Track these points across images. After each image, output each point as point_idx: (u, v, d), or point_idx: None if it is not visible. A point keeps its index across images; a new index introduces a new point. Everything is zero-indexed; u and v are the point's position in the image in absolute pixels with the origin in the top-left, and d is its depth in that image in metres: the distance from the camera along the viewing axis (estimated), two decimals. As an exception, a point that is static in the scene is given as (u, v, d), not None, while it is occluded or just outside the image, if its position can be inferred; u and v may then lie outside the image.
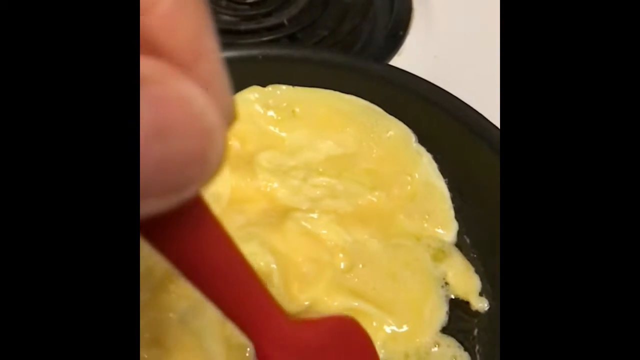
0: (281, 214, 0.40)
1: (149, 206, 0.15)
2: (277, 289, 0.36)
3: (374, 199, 0.43)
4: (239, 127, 0.44)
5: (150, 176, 0.14)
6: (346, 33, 0.59)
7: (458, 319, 0.38)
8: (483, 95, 0.53)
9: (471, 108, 0.42)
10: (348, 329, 0.31)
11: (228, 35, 0.56)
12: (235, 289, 0.23)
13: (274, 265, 0.36)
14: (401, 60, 0.58)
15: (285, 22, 0.58)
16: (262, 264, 0.36)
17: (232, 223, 0.39)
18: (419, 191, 0.43)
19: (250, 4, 0.60)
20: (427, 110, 0.44)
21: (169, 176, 0.15)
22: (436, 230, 0.42)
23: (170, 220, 0.18)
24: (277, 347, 0.26)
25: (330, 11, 0.60)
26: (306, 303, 0.37)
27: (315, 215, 0.41)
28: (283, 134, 0.45)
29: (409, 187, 0.44)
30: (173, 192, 0.15)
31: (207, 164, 0.15)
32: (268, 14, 0.59)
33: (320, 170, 0.44)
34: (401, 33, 0.59)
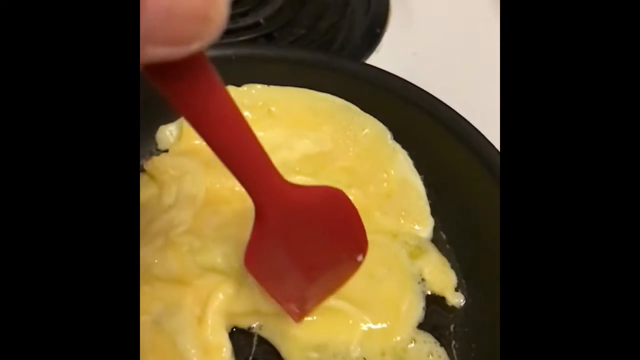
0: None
1: (157, 52, 0.18)
2: (251, 289, 0.36)
3: (351, 197, 0.43)
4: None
5: (158, 24, 0.17)
6: (323, 31, 0.58)
7: (434, 315, 0.39)
8: (461, 90, 0.53)
9: (444, 104, 0.43)
10: (338, 197, 0.33)
11: (204, 36, 0.56)
12: (236, 140, 0.26)
13: (248, 266, 0.36)
14: (379, 57, 0.58)
15: (262, 21, 0.58)
16: (236, 265, 0.36)
17: (207, 224, 0.39)
18: (395, 188, 0.44)
19: (226, 3, 0.60)
20: (401, 107, 0.44)
21: (174, 26, 0.17)
22: (412, 226, 0.42)
23: (181, 73, 0.21)
24: (273, 201, 0.30)
25: (307, 10, 0.60)
26: (282, 302, 0.36)
27: (290, 215, 0.40)
28: (259, 134, 0.44)
29: (385, 184, 0.44)
30: (178, 43, 0.18)
31: (210, 22, 0.18)
32: (244, 14, 0.59)
33: (297, 169, 0.44)
34: (378, 31, 0.60)
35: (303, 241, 0.33)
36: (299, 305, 0.36)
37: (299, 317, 0.36)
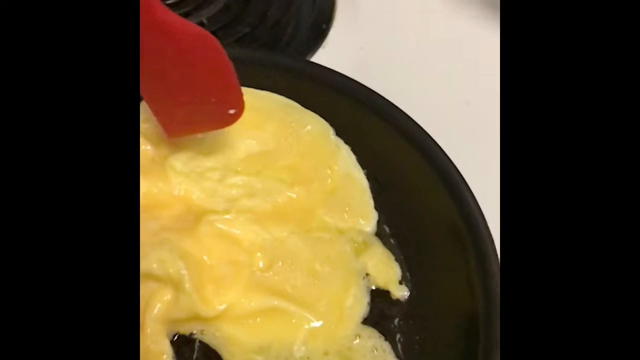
0: (196, 217, 0.39)
1: None
2: (188, 295, 0.35)
3: (294, 195, 0.42)
4: (152, 131, 0.43)
5: None
6: (268, 29, 0.58)
7: (379, 309, 0.38)
8: (408, 84, 0.53)
9: (382, 97, 0.42)
10: (212, 42, 0.34)
11: (146, 38, 0.55)
12: None
13: (184, 272, 0.35)
14: (326, 53, 0.58)
15: (205, 21, 0.57)
16: (171, 270, 0.35)
17: (145, 230, 0.38)
18: (339, 184, 0.43)
19: (169, 4, 0.59)
20: (341, 103, 0.44)
21: None
22: (357, 221, 0.42)
23: None
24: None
25: (252, 8, 0.59)
26: (221, 307, 0.36)
27: (231, 216, 0.40)
28: (199, 135, 0.44)
29: (329, 181, 0.43)
30: None
31: None
32: (188, 14, 0.58)
33: (239, 169, 0.43)
34: (324, 26, 0.59)
35: (170, 63, 0.34)
36: (169, 121, 0.39)
37: (168, 132, 0.40)
